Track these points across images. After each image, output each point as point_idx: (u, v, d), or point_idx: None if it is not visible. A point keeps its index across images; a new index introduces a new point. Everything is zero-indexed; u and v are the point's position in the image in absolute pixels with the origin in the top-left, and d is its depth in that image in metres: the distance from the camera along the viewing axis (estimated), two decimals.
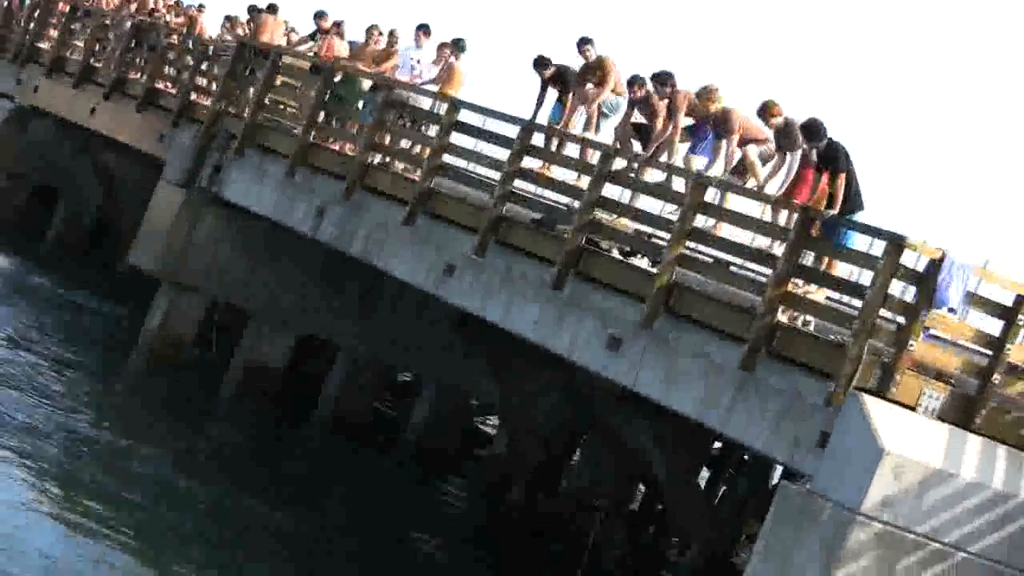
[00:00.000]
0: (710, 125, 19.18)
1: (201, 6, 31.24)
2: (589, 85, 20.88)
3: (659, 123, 19.69)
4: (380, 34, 25.12)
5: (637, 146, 20.24)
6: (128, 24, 31.69)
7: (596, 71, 20.85)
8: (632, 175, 19.43)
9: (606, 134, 20.81)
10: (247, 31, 28.61)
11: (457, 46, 23.77)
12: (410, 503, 22.99)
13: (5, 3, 37.15)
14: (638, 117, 20.21)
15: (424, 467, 24.85)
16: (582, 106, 20.99)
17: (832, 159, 16.93)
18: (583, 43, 21.04)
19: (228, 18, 30.31)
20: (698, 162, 19.20)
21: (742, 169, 18.56)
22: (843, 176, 16.76)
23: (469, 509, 24.38)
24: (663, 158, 19.35)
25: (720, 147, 19.06)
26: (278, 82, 25.71)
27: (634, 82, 20.00)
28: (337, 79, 24.46)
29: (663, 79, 19.53)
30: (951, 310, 14.97)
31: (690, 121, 19.49)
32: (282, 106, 26.05)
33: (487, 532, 23.34)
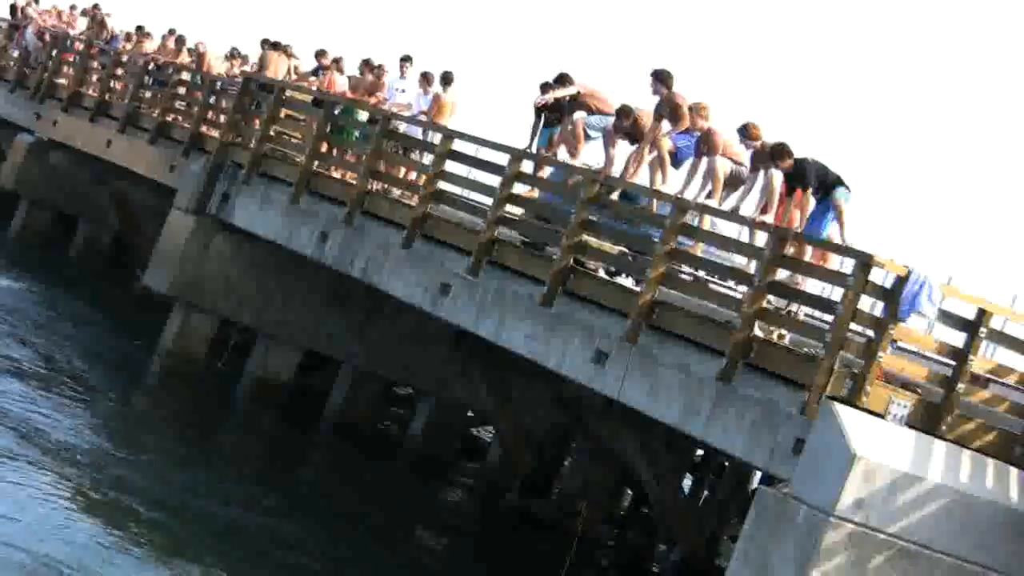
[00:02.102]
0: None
1: (236, 52, 30.83)
2: (579, 112, 20.92)
3: (645, 123, 19.67)
4: (373, 68, 25.28)
5: (625, 146, 20.25)
6: (141, 62, 31.76)
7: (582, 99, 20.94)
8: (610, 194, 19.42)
9: (593, 155, 20.81)
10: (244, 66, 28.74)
11: (444, 79, 23.91)
12: (410, 508, 22.97)
13: (24, 44, 37.14)
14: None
15: (423, 475, 24.81)
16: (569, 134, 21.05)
17: (800, 176, 17.04)
18: (557, 81, 21.07)
19: (234, 54, 30.29)
20: (668, 144, 19.22)
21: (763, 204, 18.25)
22: (809, 191, 16.92)
23: (466, 512, 24.35)
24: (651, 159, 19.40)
25: (699, 165, 19.02)
26: (282, 115, 25.70)
27: (622, 112, 19.96)
28: (337, 111, 24.54)
29: (663, 77, 19.38)
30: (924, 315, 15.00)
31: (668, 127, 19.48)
32: (286, 137, 26.04)
33: (483, 533, 23.30)
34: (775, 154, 17.32)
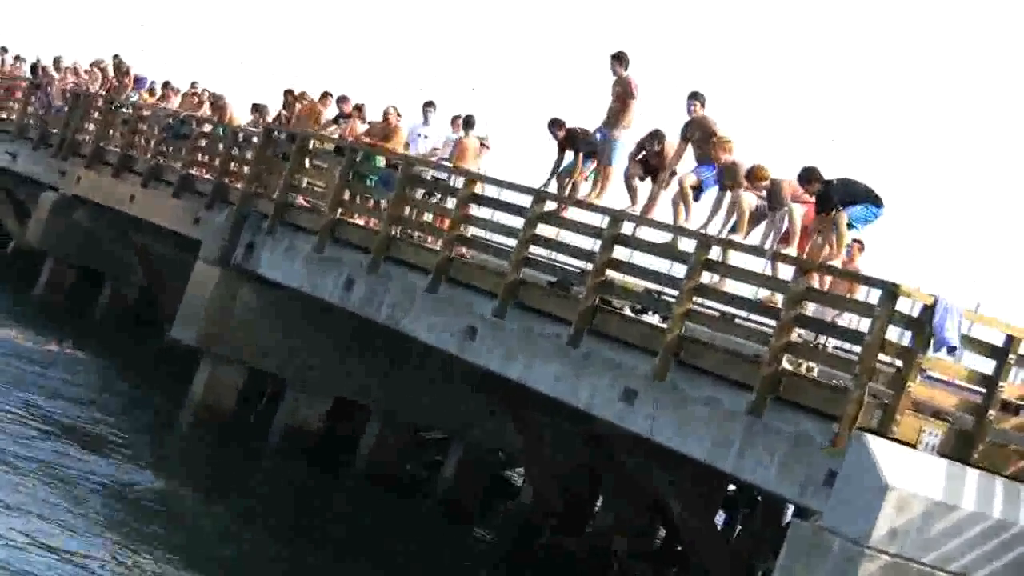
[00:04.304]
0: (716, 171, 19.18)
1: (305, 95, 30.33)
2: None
3: (670, 154, 19.77)
4: (395, 115, 25.40)
5: (643, 187, 20.26)
6: (163, 117, 31.94)
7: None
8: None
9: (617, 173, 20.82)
10: (265, 118, 28.94)
11: (466, 123, 24.01)
12: (445, 551, 22.92)
13: (47, 104, 37.39)
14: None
15: (455, 518, 24.78)
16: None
17: (826, 200, 16.99)
18: (617, 59, 20.89)
19: (256, 106, 30.45)
20: (691, 179, 19.25)
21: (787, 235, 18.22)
22: (842, 215, 16.86)
23: (500, 554, 24.30)
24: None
25: (723, 199, 19.04)
26: (305, 164, 25.80)
27: (654, 137, 19.99)
28: (358, 158, 24.63)
29: (699, 96, 19.45)
30: (951, 349, 14.94)
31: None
32: (309, 186, 26.09)
33: (518, 574, 23.24)
34: (803, 179, 17.29)
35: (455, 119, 24.70)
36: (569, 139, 21.45)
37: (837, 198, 17.05)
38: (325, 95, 27.89)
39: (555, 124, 21.57)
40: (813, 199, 17.41)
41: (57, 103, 36.77)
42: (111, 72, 36.31)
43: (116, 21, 78.42)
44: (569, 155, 21.69)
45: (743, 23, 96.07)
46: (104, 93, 35.61)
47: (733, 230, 18.66)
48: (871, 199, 17.16)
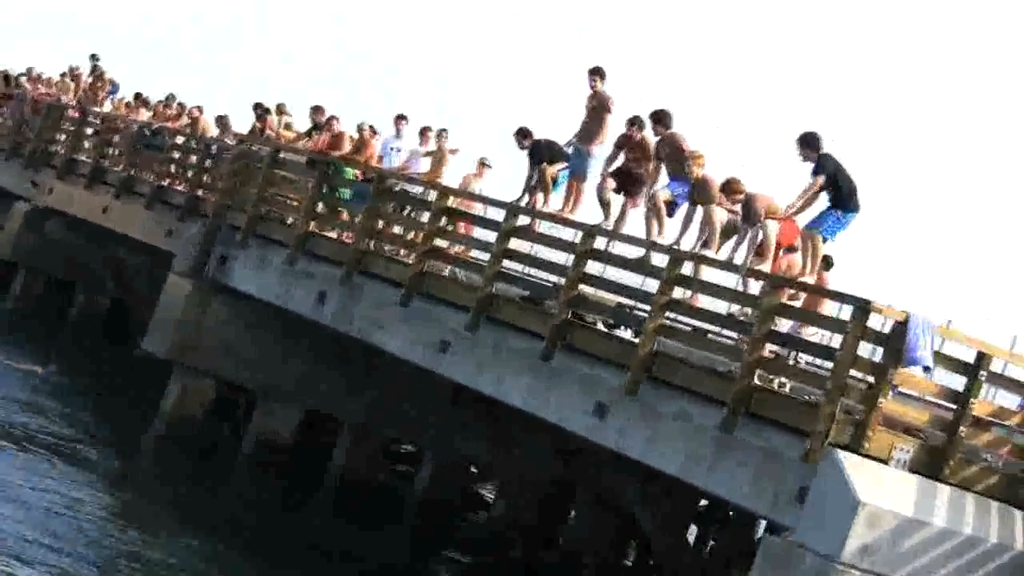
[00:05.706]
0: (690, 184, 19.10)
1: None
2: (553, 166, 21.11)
3: (650, 167, 19.67)
4: (368, 129, 25.33)
5: (616, 200, 20.19)
6: (135, 128, 31.85)
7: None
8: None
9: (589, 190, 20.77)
10: (230, 131, 28.91)
11: (440, 136, 23.99)
12: (416, 564, 22.86)
13: (20, 112, 37.25)
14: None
15: (427, 531, 24.71)
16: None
17: (817, 170, 16.86)
18: (595, 73, 20.77)
19: (220, 119, 30.36)
20: (665, 195, 19.17)
21: (761, 250, 18.14)
22: (817, 236, 16.85)
23: (472, 567, 24.22)
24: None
25: (694, 214, 19.00)
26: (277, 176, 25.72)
27: (634, 123, 19.87)
28: (330, 171, 24.58)
29: (662, 118, 19.32)
30: (927, 368, 14.95)
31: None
32: (282, 198, 26.01)
33: None
34: (803, 143, 17.07)
35: (424, 130, 24.65)
36: (534, 151, 21.36)
37: (830, 168, 16.88)
38: (280, 107, 27.95)
39: (521, 134, 21.53)
40: (810, 165, 17.15)
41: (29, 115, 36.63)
42: (85, 78, 36.17)
43: (116, 22, 78.42)
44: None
45: (744, 25, 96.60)
46: (76, 104, 35.48)
47: (705, 245, 18.64)
48: (848, 204, 17.02)
